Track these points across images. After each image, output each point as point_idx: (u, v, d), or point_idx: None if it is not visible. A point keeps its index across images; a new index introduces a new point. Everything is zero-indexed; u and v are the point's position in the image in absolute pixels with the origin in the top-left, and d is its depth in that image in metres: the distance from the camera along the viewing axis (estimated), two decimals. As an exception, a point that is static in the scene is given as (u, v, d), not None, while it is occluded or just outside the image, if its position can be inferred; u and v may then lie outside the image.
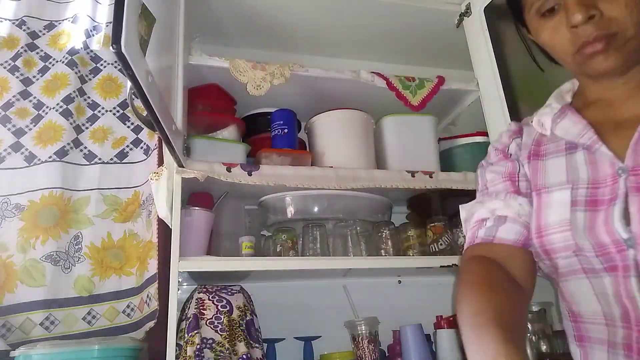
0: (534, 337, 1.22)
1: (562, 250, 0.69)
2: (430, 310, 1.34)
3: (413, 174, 1.29)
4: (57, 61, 1.37)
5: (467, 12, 1.49)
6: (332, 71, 1.35)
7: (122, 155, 1.35)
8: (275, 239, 1.23)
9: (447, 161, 1.46)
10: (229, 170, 1.14)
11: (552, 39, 0.74)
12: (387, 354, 1.35)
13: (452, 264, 1.21)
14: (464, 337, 0.63)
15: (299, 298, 1.40)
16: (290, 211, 1.26)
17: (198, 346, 0.98)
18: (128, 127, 1.38)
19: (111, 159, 1.33)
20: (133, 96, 0.78)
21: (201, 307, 1.05)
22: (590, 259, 0.66)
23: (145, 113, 0.80)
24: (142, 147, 1.36)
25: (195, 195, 1.22)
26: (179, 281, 1.06)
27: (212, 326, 1.02)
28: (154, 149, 1.32)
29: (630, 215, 0.62)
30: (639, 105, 0.72)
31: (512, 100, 1.33)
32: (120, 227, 1.28)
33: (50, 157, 1.26)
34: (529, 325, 1.23)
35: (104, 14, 1.48)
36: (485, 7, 1.41)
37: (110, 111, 1.39)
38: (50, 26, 1.43)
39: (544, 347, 1.22)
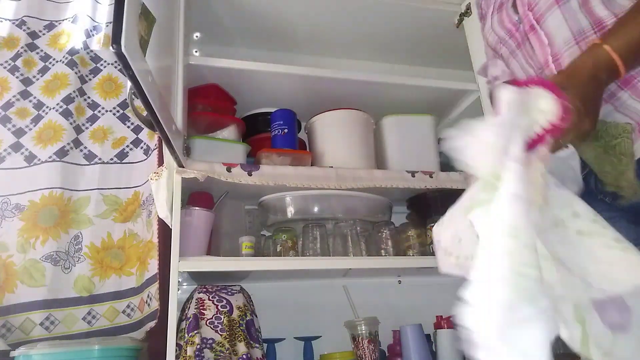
0: (534, 337, 1.22)
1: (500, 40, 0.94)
2: (430, 310, 1.34)
3: (413, 174, 1.29)
4: (57, 61, 1.37)
5: (467, 12, 1.49)
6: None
7: (122, 155, 1.34)
8: (275, 239, 1.23)
9: (447, 161, 1.46)
10: (229, 170, 1.14)
11: None
12: (387, 354, 1.35)
13: (452, 264, 1.21)
14: None
15: (299, 298, 1.40)
16: (290, 211, 1.26)
17: (198, 346, 0.98)
18: (128, 127, 1.38)
19: (111, 159, 1.33)
20: (133, 96, 0.78)
21: (201, 307, 1.05)
22: (511, 41, 0.91)
23: (145, 113, 0.80)
24: (142, 147, 1.36)
25: (195, 195, 1.22)
26: (179, 281, 1.06)
27: (212, 326, 1.02)
28: (154, 149, 1.32)
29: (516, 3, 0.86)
30: None
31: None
32: (120, 227, 1.28)
33: (50, 157, 1.26)
34: (529, 325, 1.23)
35: (104, 14, 1.48)
36: (485, 7, 1.42)
37: (110, 111, 1.39)
38: (50, 26, 1.43)
39: (544, 347, 1.21)
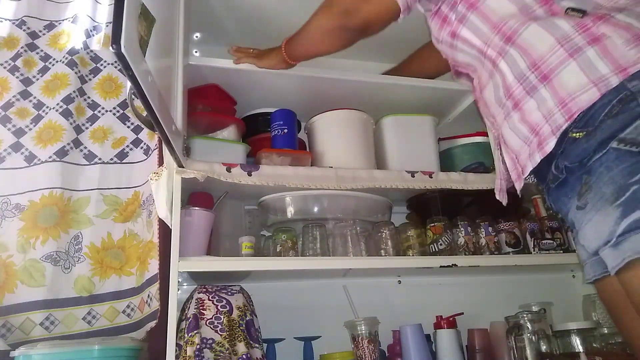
0: (533, 337, 1.22)
1: None
2: (430, 310, 1.34)
3: (413, 174, 1.29)
4: (57, 61, 1.37)
5: (467, 12, 1.48)
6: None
7: (122, 155, 1.35)
8: (275, 239, 1.23)
9: (446, 161, 1.46)
10: (228, 170, 1.14)
11: None
12: (387, 354, 1.35)
13: (452, 264, 1.22)
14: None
15: (299, 298, 1.40)
16: (290, 211, 1.26)
17: (198, 346, 0.98)
18: (128, 127, 1.38)
19: (111, 159, 1.33)
20: (133, 96, 0.78)
21: (201, 307, 1.05)
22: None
23: (145, 113, 0.80)
24: (142, 147, 1.36)
25: (195, 195, 1.22)
26: (178, 281, 1.06)
27: (212, 326, 1.02)
28: (154, 149, 1.32)
29: None
30: None
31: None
32: (120, 227, 1.28)
33: (50, 157, 1.26)
34: (529, 325, 1.23)
35: (104, 14, 1.48)
36: (485, 7, 1.41)
37: (110, 111, 1.39)
38: (50, 26, 1.43)
39: (543, 347, 1.22)
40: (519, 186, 0.92)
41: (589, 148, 0.75)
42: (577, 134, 0.77)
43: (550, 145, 0.80)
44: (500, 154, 1.00)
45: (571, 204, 0.81)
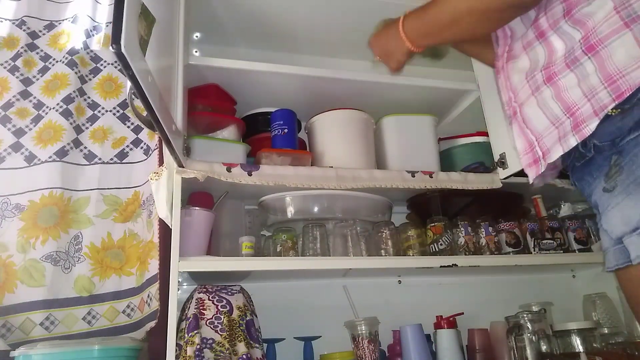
0: (534, 337, 1.22)
1: None
2: (430, 310, 1.34)
3: (413, 174, 1.29)
4: (57, 61, 1.37)
5: (467, 12, 1.48)
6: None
7: (122, 155, 1.35)
8: (275, 239, 1.23)
9: (447, 161, 1.46)
10: (229, 170, 1.14)
11: None
12: (387, 354, 1.35)
13: (452, 264, 1.22)
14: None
15: (299, 298, 1.40)
16: (290, 211, 1.26)
17: (198, 346, 0.98)
18: (128, 127, 1.38)
19: (111, 159, 1.33)
20: (133, 96, 0.78)
21: (201, 307, 1.05)
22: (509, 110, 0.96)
23: (145, 113, 0.80)
24: (142, 147, 1.36)
25: (195, 195, 1.22)
26: (179, 281, 1.06)
27: (212, 326, 1.02)
28: (154, 149, 1.32)
29: None
30: None
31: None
32: (120, 227, 1.28)
33: (50, 157, 1.26)
34: (529, 325, 1.23)
35: (104, 14, 1.48)
36: (485, 7, 1.41)
37: (110, 111, 1.39)
38: (50, 26, 1.43)
39: (544, 347, 1.22)
40: (532, 173, 0.82)
41: (623, 127, 0.69)
42: (612, 112, 0.70)
43: (590, 128, 0.72)
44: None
45: (596, 185, 0.76)
